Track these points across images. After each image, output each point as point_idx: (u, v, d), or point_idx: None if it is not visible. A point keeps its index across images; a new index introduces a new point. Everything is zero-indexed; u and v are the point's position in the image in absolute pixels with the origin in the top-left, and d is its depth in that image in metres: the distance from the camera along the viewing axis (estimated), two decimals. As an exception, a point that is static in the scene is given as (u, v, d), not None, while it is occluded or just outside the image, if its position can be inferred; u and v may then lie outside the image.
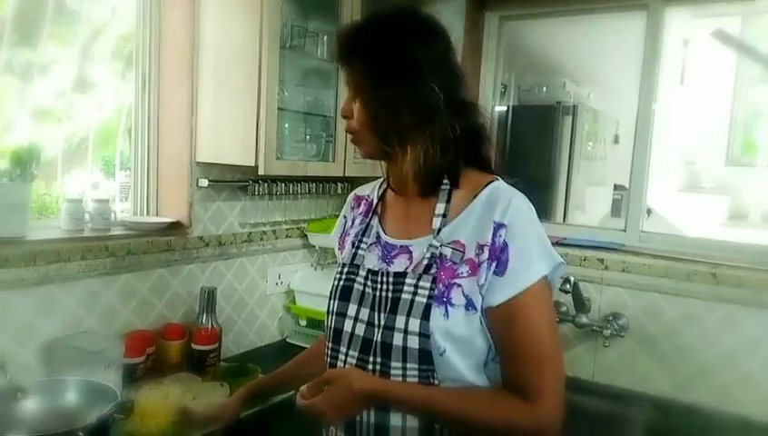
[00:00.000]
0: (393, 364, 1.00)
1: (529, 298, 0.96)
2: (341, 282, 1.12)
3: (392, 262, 1.07)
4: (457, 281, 0.99)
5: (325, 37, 2.07)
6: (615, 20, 2.41)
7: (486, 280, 0.97)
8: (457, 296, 0.98)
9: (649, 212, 4.85)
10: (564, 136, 3.04)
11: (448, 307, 0.98)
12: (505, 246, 0.97)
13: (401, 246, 1.08)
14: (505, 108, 2.89)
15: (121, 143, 1.98)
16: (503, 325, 0.98)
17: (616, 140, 3.43)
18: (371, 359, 1.02)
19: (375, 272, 1.07)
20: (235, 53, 1.83)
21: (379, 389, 0.99)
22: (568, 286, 1.92)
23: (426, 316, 0.98)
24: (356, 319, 1.07)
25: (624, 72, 2.27)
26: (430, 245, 1.02)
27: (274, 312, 2.32)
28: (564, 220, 3.08)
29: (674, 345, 1.97)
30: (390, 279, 1.04)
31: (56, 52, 1.80)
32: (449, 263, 1.00)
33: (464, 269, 0.99)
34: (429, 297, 0.99)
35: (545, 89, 3.00)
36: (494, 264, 0.97)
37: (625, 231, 2.22)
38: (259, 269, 2.22)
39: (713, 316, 1.91)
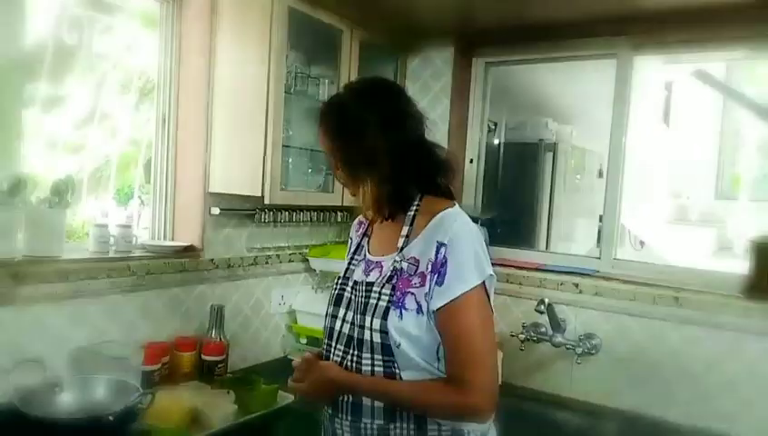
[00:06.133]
0: (364, 355, 1.24)
1: (462, 304, 1.18)
2: (336, 291, 1.37)
3: (369, 275, 1.33)
4: (410, 290, 1.22)
5: (326, 81, 2.30)
6: (592, 66, 2.61)
7: (430, 289, 1.20)
8: (409, 302, 1.21)
9: (642, 244, 4.99)
10: (546, 171, 3.24)
11: (402, 310, 1.21)
12: (445, 261, 1.19)
13: (376, 262, 1.33)
14: (497, 144, 3.11)
15: (139, 174, 2.19)
16: (443, 326, 1.20)
17: (600, 174, 3.60)
18: (351, 351, 1.27)
19: (358, 283, 1.32)
20: (246, 95, 2.04)
21: (348, 382, 1.25)
22: (543, 307, 2.10)
23: (384, 316, 1.21)
24: (343, 320, 1.32)
25: (603, 111, 2.45)
26: (394, 260, 1.27)
27: (277, 330, 2.48)
28: (546, 247, 3.24)
29: (642, 363, 2.12)
30: (364, 287, 1.29)
31: (76, 87, 1.98)
32: (406, 275, 1.24)
33: (416, 280, 1.22)
34: (389, 302, 1.23)
35: (528, 128, 3.20)
36: (435, 276, 1.20)
37: (599, 258, 2.38)
38: (263, 290, 2.40)
39: (676, 336, 2.07)
